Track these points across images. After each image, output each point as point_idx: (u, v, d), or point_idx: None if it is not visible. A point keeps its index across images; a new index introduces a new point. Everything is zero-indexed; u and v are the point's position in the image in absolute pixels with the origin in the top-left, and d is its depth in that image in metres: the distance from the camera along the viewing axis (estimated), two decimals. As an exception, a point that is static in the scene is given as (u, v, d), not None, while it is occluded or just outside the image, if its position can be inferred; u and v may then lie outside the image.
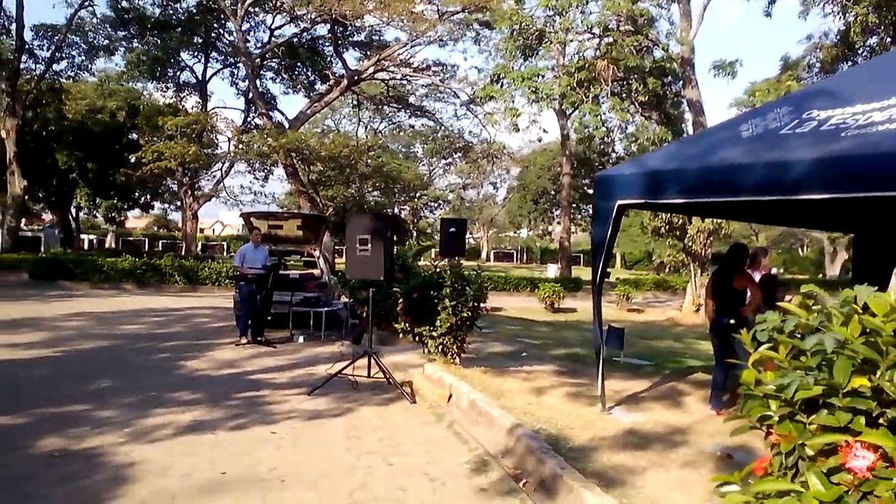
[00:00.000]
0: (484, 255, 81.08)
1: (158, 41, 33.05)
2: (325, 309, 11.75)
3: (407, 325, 8.43)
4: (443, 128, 42.02)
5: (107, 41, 33.29)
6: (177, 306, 16.84)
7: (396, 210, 56.15)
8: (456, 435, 6.01)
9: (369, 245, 7.29)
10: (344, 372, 7.71)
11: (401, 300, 8.48)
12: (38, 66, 32.53)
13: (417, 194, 59.04)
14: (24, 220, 50.60)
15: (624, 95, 22.83)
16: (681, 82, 22.36)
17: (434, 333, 8.12)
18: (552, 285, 22.95)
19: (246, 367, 9.03)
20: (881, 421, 2.13)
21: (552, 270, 36.81)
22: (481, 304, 8.34)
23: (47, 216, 49.10)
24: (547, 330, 15.11)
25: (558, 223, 53.74)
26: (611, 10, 19.23)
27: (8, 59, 30.24)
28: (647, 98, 21.03)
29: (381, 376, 7.67)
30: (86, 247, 48.89)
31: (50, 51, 32.22)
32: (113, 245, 52.37)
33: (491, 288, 29.29)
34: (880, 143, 4.55)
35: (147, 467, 4.83)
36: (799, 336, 2.43)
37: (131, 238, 62.60)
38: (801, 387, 2.25)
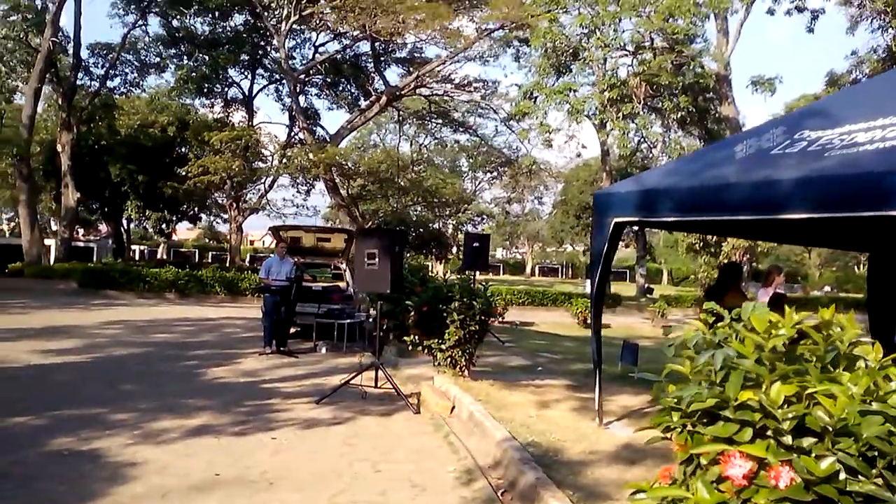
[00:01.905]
0: (528, 269, 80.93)
1: (207, 58, 34.12)
2: (349, 321, 12.02)
3: (416, 337, 8.62)
4: (484, 143, 42.25)
5: (158, 59, 34.51)
6: (213, 316, 17.35)
7: (440, 225, 56.47)
8: (449, 445, 6.16)
9: (377, 259, 7.52)
10: (357, 383, 7.94)
11: (412, 313, 8.68)
12: (93, 82, 33.88)
13: (462, 209, 59.37)
14: (81, 231, 52.61)
15: (660, 112, 22.75)
16: (720, 99, 22.22)
17: (443, 346, 8.30)
18: (585, 300, 22.87)
19: (264, 376, 9.33)
20: (768, 433, 2.24)
21: (589, 286, 36.53)
22: (490, 318, 8.48)
23: (104, 227, 50.82)
24: (572, 345, 15.11)
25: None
26: (644, 27, 19.24)
27: (65, 76, 31.55)
28: (678, 115, 20.94)
29: (392, 387, 7.86)
30: (137, 257, 50.42)
31: (104, 68, 33.57)
32: (164, 256, 53.91)
33: (528, 303, 29.38)
34: (857, 163, 4.59)
35: (147, 467, 5.10)
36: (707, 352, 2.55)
37: (183, 249, 64.32)
38: (695, 399, 2.37)
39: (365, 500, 4.63)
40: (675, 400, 2.42)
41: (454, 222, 62.88)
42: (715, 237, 19.45)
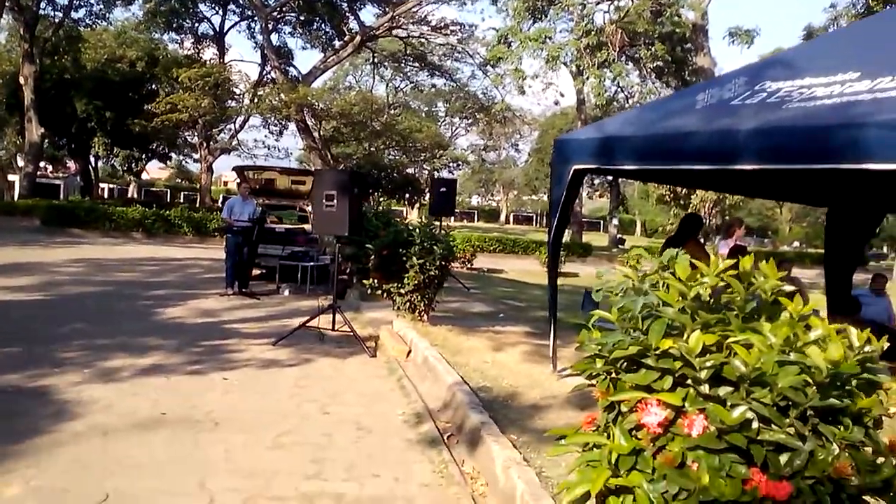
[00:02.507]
0: (503, 217, 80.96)
1: (176, -9, 33.05)
2: (312, 263, 11.94)
3: (376, 281, 8.58)
4: (459, 88, 41.71)
5: (125, -11, 33.35)
6: (178, 256, 17.17)
7: (415, 170, 56.04)
8: (401, 389, 6.18)
9: (335, 201, 7.41)
10: (315, 325, 7.91)
11: (373, 257, 8.62)
12: (56, 13, 32.69)
13: (437, 154, 58.92)
14: (50, 168, 51.45)
15: (637, 61, 22.52)
16: (695, 49, 22.00)
17: (402, 290, 8.27)
18: (554, 249, 22.97)
19: (223, 316, 9.27)
20: (688, 382, 2.23)
21: (547, 234, 36.68)
22: (450, 262, 8.45)
23: (73, 165, 49.70)
24: (538, 293, 15.16)
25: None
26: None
27: (27, 5, 30.36)
28: (654, 64, 20.73)
29: (351, 330, 7.85)
30: (105, 196, 49.51)
31: (68, -2, 32.37)
32: (135, 195, 53.02)
33: (499, 250, 29.43)
34: (814, 116, 4.55)
35: (92, 406, 5.05)
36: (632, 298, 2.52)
37: (154, 189, 63.30)
38: (617, 346, 2.35)
39: (310, 442, 4.63)
40: (599, 347, 2.40)
41: (429, 168, 62.53)
42: (684, 189, 19.51)
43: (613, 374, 2.40)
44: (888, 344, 2.25)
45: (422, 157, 54.87)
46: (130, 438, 4.48)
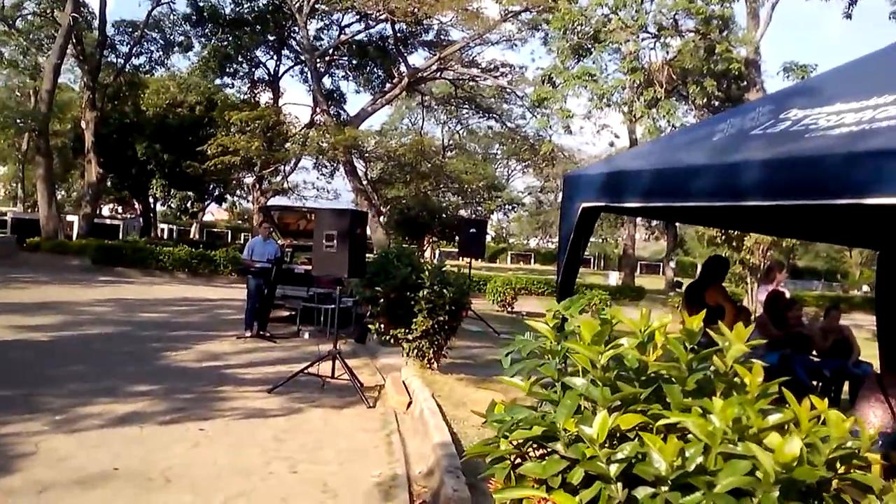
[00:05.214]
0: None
1: (231, 38, 33.87)
2: (333, 306, 11.55)
3: (383, 326, 8.11)
4: (509, 129, 41.47)
5: (183, 37, 34.37)
6: (212, 297, 17.05)
7: (469, 212, 55.70)
8: (388, 445, 5.66)
9: (335, 241, 7.03)
10: (314, 371, 7.49)
11: (381, 300, 8.17)
12: (118, 60, 33.85)
13: (492, 196, 58.45)
14: (120, 209, 53.05)
15: (687, 99, 21.84)
16: (749, 85, 21.21)
17: (409, 336, 7.79)
18: (599, 293, 22.17)
19: (229, 360, 8.93)
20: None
21: (613, 278, 35.76)
22: (464, 309, 7.95)
23: (139, 206, 50.99)
24: (575, 339, 14.51)
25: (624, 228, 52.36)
26: (671, 8, 18.34)
27: (91, 53, 31.51)
28: (704, 100, 19.98)
29: (350, 378, 7.39)
30: (164, 236, 50.65)
31: (129, 46, 33.49)
32: (196, 236, 54.06)
33: (547, 292, 28.76)
34: (833, 146, 3.95)
35: (42, 457, 4.71)
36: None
37: (216, 230, 64.62)
38: (520, 425, 1.83)
39: (260, 507, 4.16)
40: (499, 424, 1.88)
41: (484, 210, 62.15)
42: (737, 231, 18.55)
43: (518, 460, 1.87)
44: None
45: (476, 200, 54.62)
46: (65, 498, 4.09)
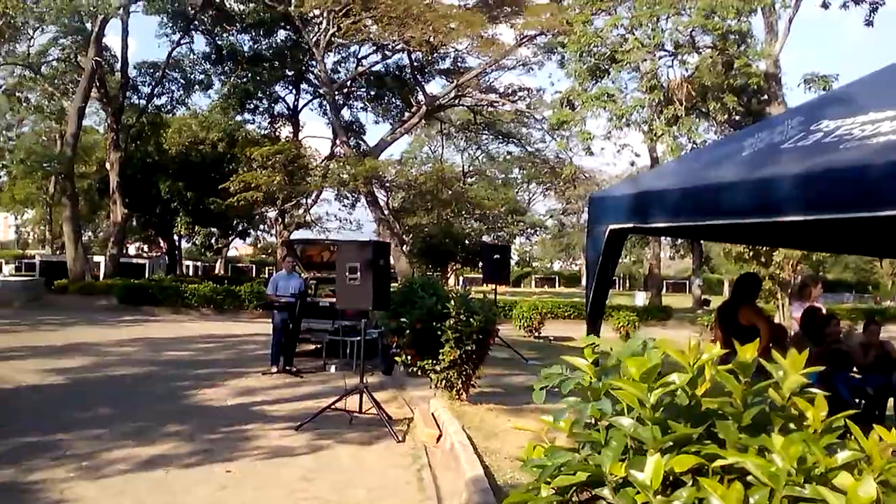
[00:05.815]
0: (584, 282, 79.13)
1: (250, 75, 34.35)
2: (358, 338, 11.43)
3: (409, 358, 7.97)
4: (529, 153, 41.47)
5: (203, 76, 34.93)
6: (238, 333, 17.02)
7: (492, 238, 55.60)
8: (419, 481, 5.50)
9: (358, 273, 6.94)
10: (341, 407, 7.36)
11: (407, 331, 8.04)
12: (140, 100, 34.45)
13: (514, 220, 58.31)
14: (146, 248, 53.67)
15: (707, 115, 21.64)
16: (770, 99, 20.97)
17: (437, 367, 7.64)
18: (627, 314, 21.85)
19: (256, 397, 8.83)
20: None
21: (640, 298, 35.36)
22: (491, 336, 7.79)
23: (164, 244, 51.53)
24: (605, 363, 14.23)
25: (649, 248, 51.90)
26: (686, 25, 18.25)
27: (114, 95, 32.08)
28: (725, 117, 19.76)
29: (378, 413, 7.24)
30: (190, 273, 51.05)
31: (151, 87, 34.09)
32: (221, 271, 54.40)
33: (573, 316, 28.48)
34: (872, 156, 3.78)
35: (68, 506, 4.62)
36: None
37: (241, 265, 65.09)
38: (563, 471, 1.69)
39: (289, 553, 4.02)
40: (540, 470, 1.74)
41: (507, 235, 61.96)
42: (765, 247, 18.22)
43: (561, 508, 1.73)
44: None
45: (498, 225, 54.49)
46: (89, 549, 3.98)
